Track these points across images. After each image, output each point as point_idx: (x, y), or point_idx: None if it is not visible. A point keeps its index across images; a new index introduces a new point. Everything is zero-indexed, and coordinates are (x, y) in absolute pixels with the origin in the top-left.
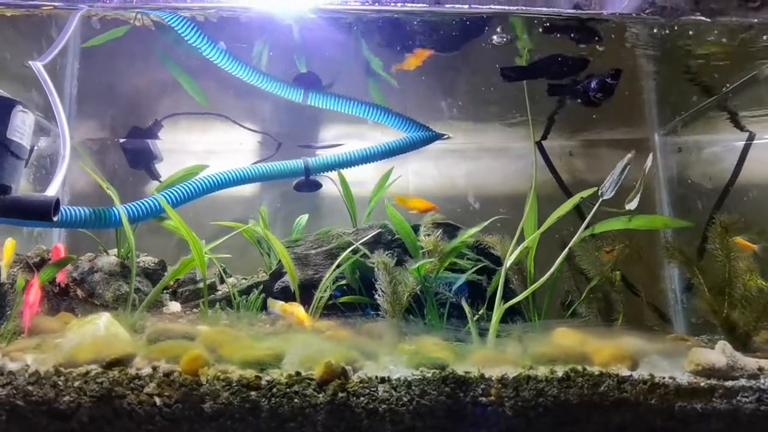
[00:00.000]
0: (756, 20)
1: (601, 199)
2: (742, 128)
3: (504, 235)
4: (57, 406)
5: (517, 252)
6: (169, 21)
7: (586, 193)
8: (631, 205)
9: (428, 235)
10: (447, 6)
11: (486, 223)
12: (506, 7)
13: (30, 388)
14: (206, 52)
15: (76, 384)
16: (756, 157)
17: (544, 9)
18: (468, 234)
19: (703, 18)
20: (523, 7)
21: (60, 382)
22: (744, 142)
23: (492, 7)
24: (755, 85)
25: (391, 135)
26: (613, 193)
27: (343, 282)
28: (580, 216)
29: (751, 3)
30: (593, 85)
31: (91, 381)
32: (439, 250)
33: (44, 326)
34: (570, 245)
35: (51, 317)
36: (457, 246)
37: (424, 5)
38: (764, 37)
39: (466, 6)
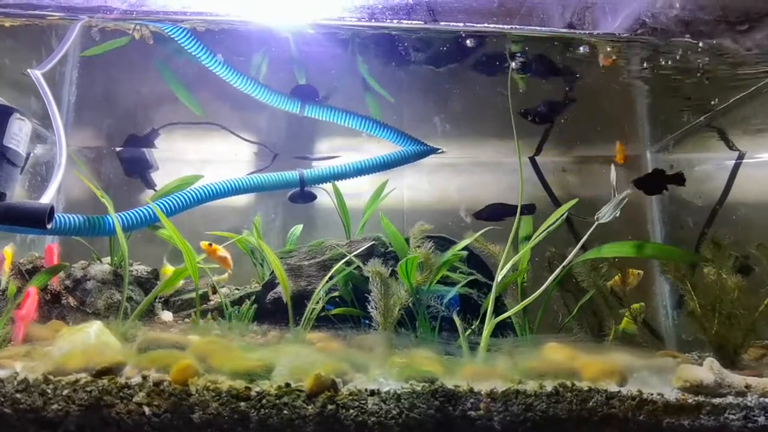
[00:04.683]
0: (744, 43)
1: (596, 223)
2: (731, 147)
3: (504, 245)
4: (45, 414)
5: (508, 266)
6: (169, 32)
7: (569, 205)
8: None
9: (419, 246)
10: (442, 23)
11: (477, 235)
12: (501, 26)
13: (18, 395)
14: (205, 62)
15: (65, 392)
16: (746, 175)
17: (539, 28)
18: (461, 245)
19: (693, 40)
20: (518, 26)
21: (48, 390)
22: (735, 161)
23: (487, 25)
24: (744, 105)
25: (386, 148)
26: (610, 218)
27: (336, 294)
28: (571, 230)
29: (739, 26)
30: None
31: (80, 389)
32: (431, 262)
33: (35, 334)
34: (564, 264)
35: (42, 325)
36: (450, 259)
37: (420, 22)
38: (752, 59)
39: (461, 24)
